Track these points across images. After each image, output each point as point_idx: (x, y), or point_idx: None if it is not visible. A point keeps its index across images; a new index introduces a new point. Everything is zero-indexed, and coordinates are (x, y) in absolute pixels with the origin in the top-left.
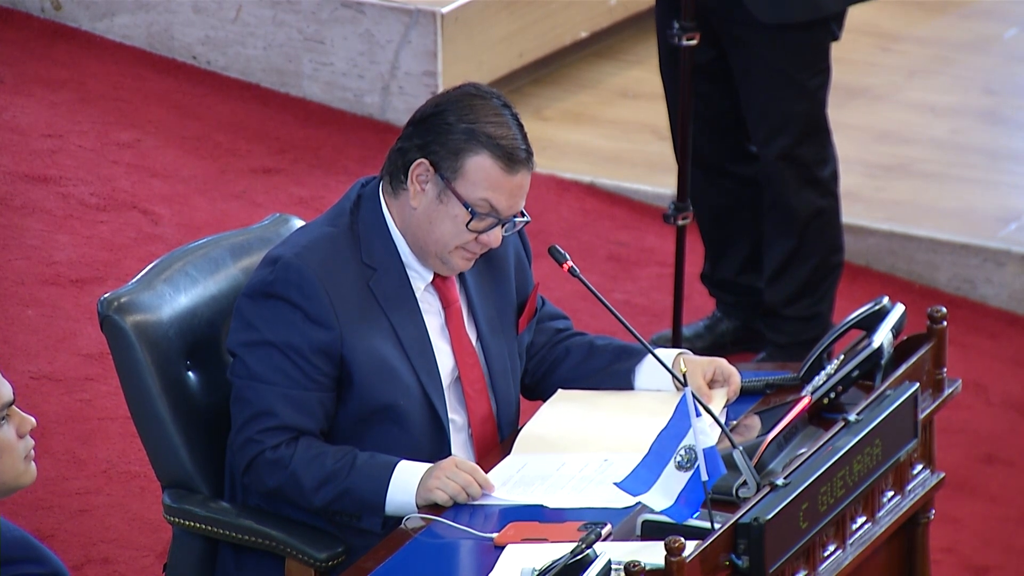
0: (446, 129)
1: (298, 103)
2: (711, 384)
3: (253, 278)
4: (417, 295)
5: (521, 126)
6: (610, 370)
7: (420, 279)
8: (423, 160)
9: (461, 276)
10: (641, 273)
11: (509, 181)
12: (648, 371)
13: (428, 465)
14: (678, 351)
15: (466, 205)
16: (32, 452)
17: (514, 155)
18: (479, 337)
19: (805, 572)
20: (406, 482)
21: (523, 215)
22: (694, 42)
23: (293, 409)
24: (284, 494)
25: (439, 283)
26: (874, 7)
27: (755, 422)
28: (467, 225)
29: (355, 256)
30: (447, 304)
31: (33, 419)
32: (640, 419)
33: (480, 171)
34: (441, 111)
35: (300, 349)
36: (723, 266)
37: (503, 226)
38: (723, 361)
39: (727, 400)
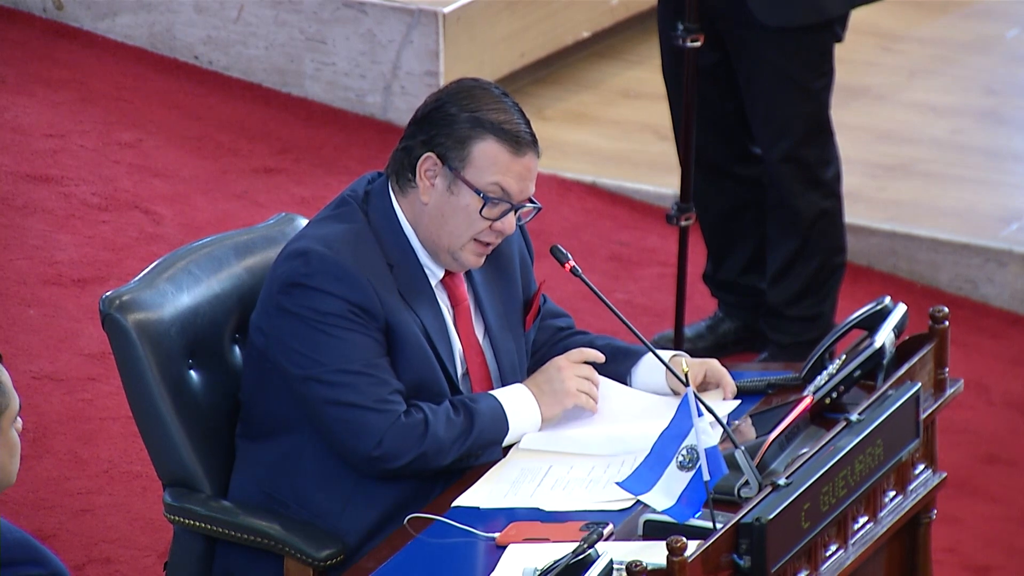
0: (450, 120)
1: (300, 103)
2: (704, 386)
3: (285, 273)
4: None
5: (522, 112)
6: (607, 371)
7: (432, 276)
8: (430, 154)
9: (468, 275)
10: (643, 273)
11: (517, 163)
12: (644, 373)
13: (519, 387)
14: (673, 353)
15: (478, 192)
16: None
17: (520, 137)
18: (488, 334)
19: (807, 572)
20: (521, 407)
21: (533, 202)
22: (698, 44)
23: (390, 375)
24: (424, 460)
25: (448, 281)
26: (875, 7)
27: (752, 425)
28: (481, 212)
29: (379, 250)
30: (456, 302)
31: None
32: (641, 421)
33: (488, 156)
34: (442, 104)
35: (362, 325)
36: (726, 267)
37: (516, 212)
38: (715, 363)
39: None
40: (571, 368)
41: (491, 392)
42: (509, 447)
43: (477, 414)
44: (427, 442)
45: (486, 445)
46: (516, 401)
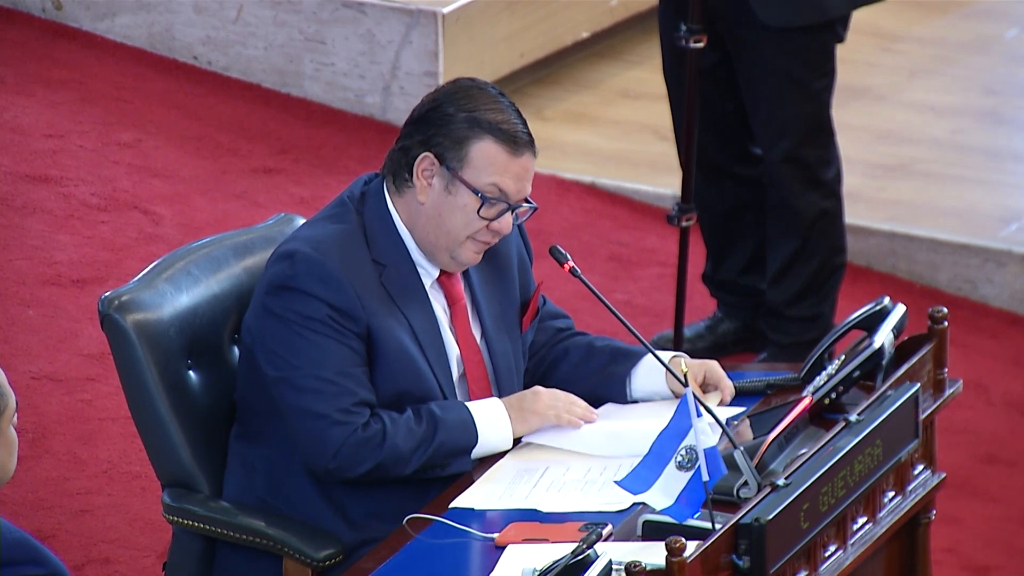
0: (447, 120)
1: (299, 103)
2: (704, 387)
3: (273, 274)
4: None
5: (519, 112)
6: (606, 372)
7: (427, 276)
8: (428, 154)
9: (466, 274)
10: (642, 273)
11: (515, 163)
12: (644, 374)
13: (494, 400)
14: (672, 354)
15: (475, 191)
16: None
17: (517, 138)
18: (484, 335)
19: (806, 572)
20: (492, 420)
21: (529, 202)
22: (701, 44)
23: (360, 385)
24: (383, 469)
25: (444, 280)
26: (875, 7)
27: (751, 426)
28: (478, 212)
29: (367, 252)
30: (452, 302)
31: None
32: (639, 421)
33: (485, 156)
34: (439, 104)
35: (340, 332)
36: (726, 267)
37: (513, 212)
38: (715, 364)
39: (720, 403)
40: (547, 392)
41: (464, 403)
42: (497, 455)
43: (441, 423)
44: (384, 452)
45: (452, 454)
46: (487, 413)
